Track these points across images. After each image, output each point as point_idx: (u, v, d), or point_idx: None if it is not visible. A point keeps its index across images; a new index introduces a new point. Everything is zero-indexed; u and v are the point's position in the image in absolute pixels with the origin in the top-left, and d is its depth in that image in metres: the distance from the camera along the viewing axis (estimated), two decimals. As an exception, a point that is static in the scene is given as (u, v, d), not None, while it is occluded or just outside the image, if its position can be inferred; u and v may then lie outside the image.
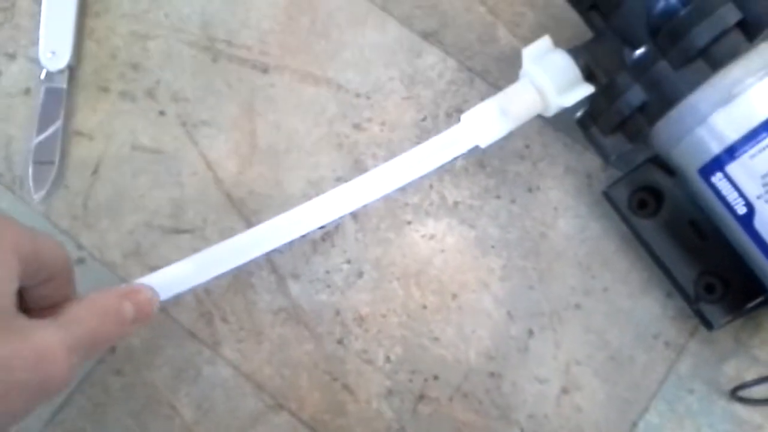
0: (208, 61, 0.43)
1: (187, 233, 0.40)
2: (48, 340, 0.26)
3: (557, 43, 0.37)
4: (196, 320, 0.39)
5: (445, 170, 0.41)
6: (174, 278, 0.35)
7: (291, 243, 0.40)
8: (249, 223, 0.40)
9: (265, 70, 0.43)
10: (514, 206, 0.41)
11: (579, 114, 0.38)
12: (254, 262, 0.40)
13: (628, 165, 0.39)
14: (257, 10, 0.44)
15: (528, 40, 0.38)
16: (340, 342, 0.39)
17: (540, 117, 0.39)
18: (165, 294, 0.34)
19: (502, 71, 0.42)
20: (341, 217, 0.40)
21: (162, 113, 0.42)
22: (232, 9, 0.44)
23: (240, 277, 0.39)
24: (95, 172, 0.42)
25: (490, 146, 0.40)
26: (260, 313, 0.39)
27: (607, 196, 0.39)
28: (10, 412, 0.26)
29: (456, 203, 0.41)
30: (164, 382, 0.39)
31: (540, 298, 0.40)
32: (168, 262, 0.40)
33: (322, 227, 0.40)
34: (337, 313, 0.39)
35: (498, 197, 0.41)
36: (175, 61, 0.43)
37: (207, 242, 0.40)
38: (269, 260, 0.40)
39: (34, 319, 0.27)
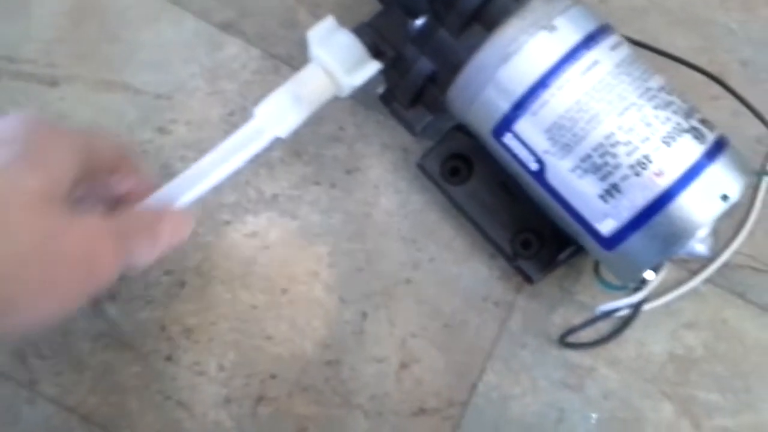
0: (-13, 80, 0.40)
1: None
2: (98, 225, 0.27)
3: (357, 21, 0.37)
4: (8, 360, 0.36)
5: (260, 164, 0.40)
6: None
7: (102, 262, 0.38)
8: (53, 248, 0.38)
9: (53, 83, 0.40)
10: (334, 190, 0.40)
11: (380, 90, 0.38)
12: (64, 289, 0.37)
13: (440, 134, 0.39)
14: (38, 20, 0.41)
15: (328, 21, 0.37)
16: (168, 358, 0.37)
17: (351, 98, 0.38)
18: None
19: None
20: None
21: (-59, 142, 0.39)
22: (11, 22, 0.41)
23: (50, 307, 0.37)
24: None
25: (304, 133, 0.39)
26: (78, 342, 0.37)
27: (420, 167, 0.39)
28: (58, 296, 0.26)
29: (275, 196, 0.40)
30: (-20, 432, 0.36)
31: (370, 278, 0.39)
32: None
33: (134, 241, 0.38)
34: (163, 328, 0.38)
35: (317, 183, 0.40)
36: (-49, 85, 0.39)
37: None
38: (81, 284, 0.37)
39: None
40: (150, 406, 0.37)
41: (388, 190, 0.40)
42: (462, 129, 0.38)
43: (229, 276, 0.39)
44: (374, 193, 0.40)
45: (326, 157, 0.41)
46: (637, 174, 0.31)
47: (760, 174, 0.39)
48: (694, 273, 0.39)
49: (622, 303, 0.36)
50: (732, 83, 0.39)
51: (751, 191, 0.39)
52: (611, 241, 0.32)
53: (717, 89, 0.39)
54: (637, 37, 0.40)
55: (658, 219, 0.31)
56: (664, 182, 0.31)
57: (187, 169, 0.33)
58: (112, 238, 0.28)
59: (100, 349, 0.37)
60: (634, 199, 0.31)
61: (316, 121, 0.41)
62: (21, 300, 0.25)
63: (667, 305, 0.39)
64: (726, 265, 0.39)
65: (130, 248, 0.29)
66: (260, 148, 0.35)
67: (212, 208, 0.39)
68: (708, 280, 0.39)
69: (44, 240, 0.25)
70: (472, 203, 0.39)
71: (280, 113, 0.34)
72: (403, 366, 0.38)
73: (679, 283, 0.39)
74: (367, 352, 0.38)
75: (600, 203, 0.32)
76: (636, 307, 0.38)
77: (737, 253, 0.39)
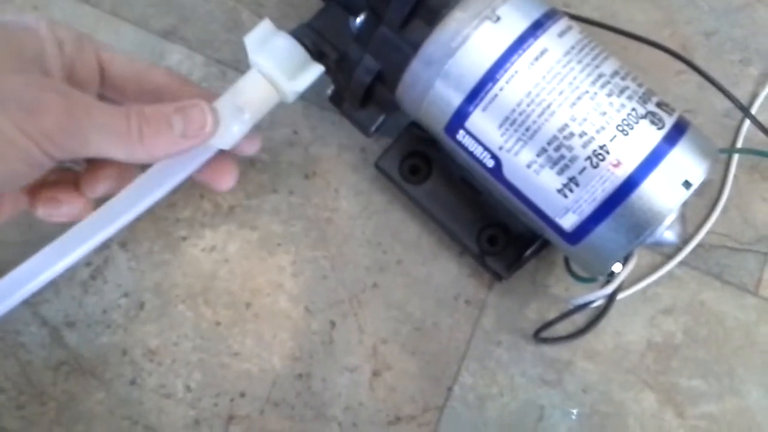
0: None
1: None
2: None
3: (304, 18, 0.35)
4: (-32, 398, 0.35)
5: (214, 175, 0.39)
6: None
7: (57, 289, 0.37)
8: (5, 279, 0.37)
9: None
10: (293, 197, 0.39)
11: (329, 91, 0.36)
12: (20, 319, 0.36)
13: (399, 131, 0.38)
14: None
15: (274, 20, 0.35)
16: (132, 383, 0.36)
17: (304, 99, 0.37)
18: None
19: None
20: (108, 249, 0.37)
21: None
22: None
23: (6, 339, 0.36)
24: None
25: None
26: (38, 373, 0.36)
27: (379, 168, 0.38)
28: None
29: (231, 207, 0.39)
30: (-56, 474, 0.35)
31: (336, 285, 0.38)
32: None
33: (89, 264, 0.37)
34: (124, 352, 0.37)
35: (275, 191, 0.39)
36: None
37: (-40, 311, 0.36)
38: (36, 313, 0.36)
39: None
40: (117, 434, 0.36)
41: (349, 193, 0.39)
42: (419, 125, 0.37)
43: (190, 293, 0.37)
44: (334, 196, 0.39)
45: (282, 163, 0.39)
46: (595, 166, 0.30)
47: (729, 152, 0.37)
48: (669, 257, 0.38)
49: (597, 295, 0.35)
50: (696, 56, 0.38)
51: (723, 168, 0.38)
52: (574, 236, 0.31)
53: (681, 63, 0.37)
54: (595, 13, 0.39)
55: (619, 211, 0.30)
56: (622, 173, 0.29)
57: (127, 187, 0.32)
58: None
59: (61, 379, 0.36)
60: (594, 191, 0.30)
61: (268, 125, 0.39)
62: None
63: (642, 291, 0.38)
64: (701, 246, 0.38)
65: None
66: (202, 162, 0.34)
67: (167, 224, 0.38)
68: (683, 263, 0.38)
69: None
70: (435, 202, 0.37)
71: (222, 125, 0.33)
72: (376, 374, 0.37)
73: (653, 268, 0.38)
74: (338, 362, 0.37)
75: (560, 198, 0.31)
76: (611, 297, 0.36)
77: (711, 232, 0.38)
